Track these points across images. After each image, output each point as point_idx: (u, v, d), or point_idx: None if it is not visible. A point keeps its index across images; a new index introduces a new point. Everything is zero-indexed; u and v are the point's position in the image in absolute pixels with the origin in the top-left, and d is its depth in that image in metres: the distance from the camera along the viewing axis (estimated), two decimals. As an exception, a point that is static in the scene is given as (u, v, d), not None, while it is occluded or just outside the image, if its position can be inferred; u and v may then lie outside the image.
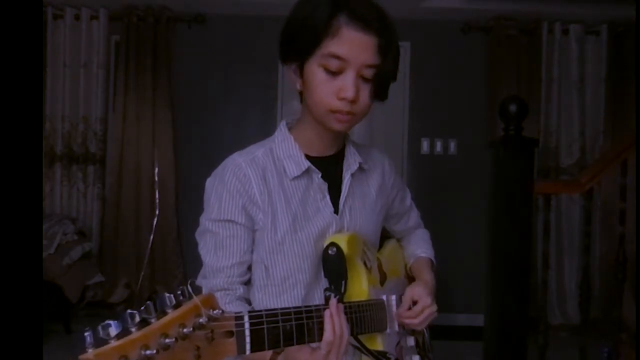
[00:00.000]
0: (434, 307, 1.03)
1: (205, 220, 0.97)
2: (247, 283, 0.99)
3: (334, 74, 0.89)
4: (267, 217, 0.95)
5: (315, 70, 0.90)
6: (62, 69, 3.76)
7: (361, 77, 0.90)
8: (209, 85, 3.84)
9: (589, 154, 3.79)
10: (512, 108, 1.98)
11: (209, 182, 0.99)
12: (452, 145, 3.83)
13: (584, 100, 3.80)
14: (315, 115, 0.95)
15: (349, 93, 0.88)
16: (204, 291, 0.59)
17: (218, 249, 0.95)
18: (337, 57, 0.87)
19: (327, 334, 0.78)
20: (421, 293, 1.03)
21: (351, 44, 0.87)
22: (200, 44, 3.84)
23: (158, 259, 3.78)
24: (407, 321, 1.01)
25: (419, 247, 1.22)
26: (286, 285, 0.97)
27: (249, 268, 0.99)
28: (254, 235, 0.97)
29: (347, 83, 0.88)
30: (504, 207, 2.06)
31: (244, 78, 3.81)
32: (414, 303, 1.03)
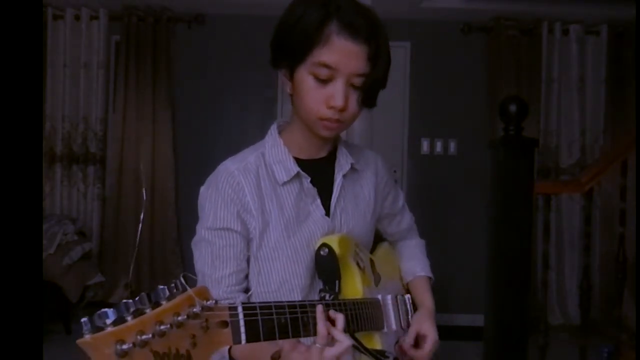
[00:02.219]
0: (438, 339, 1.05)
1: (201, 229, 0.96)
2: (246, 292, 0.99)
3: (324, 81, 0.88)
4: (260, 224, 0.95)
5: (305, 77, 0.89)
6: (62, 69, 3.76)
7: (350, 85, 0.89)
8: (209, 85, 3.84)
9: (589, 154, 3.79)
10: (512, 108, 1.98)
11: (202, 190, 0.98)
12: (452, 145, 3.83)
13: (584, 100, 3.80)
14: (304, 120, 0.95)
15: (339, 102, 0.88)
16: None
17: (215, 259, 0.94)
18: (327, 66, 0.87)
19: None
20: (429, 328, 1.05)
21: (341, 53, 0.86)
22: (200, 43, 3.85)
23: (158, 259, 3.78)
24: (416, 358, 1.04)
25: (418, 264, 1.21)
26: (283, 291, 0.96)
27: (246, 276, 0.98)
28: (249, 244, 0.96)
29: (336, 92, 0.88)
30: (504, 207, 2.06)
31: (244, 78, 3.80)
32: (420, 337, 1.05)
